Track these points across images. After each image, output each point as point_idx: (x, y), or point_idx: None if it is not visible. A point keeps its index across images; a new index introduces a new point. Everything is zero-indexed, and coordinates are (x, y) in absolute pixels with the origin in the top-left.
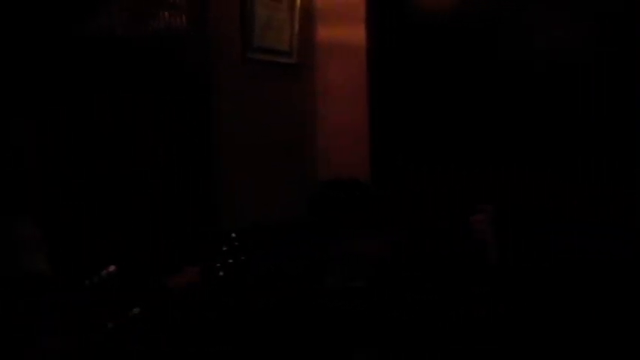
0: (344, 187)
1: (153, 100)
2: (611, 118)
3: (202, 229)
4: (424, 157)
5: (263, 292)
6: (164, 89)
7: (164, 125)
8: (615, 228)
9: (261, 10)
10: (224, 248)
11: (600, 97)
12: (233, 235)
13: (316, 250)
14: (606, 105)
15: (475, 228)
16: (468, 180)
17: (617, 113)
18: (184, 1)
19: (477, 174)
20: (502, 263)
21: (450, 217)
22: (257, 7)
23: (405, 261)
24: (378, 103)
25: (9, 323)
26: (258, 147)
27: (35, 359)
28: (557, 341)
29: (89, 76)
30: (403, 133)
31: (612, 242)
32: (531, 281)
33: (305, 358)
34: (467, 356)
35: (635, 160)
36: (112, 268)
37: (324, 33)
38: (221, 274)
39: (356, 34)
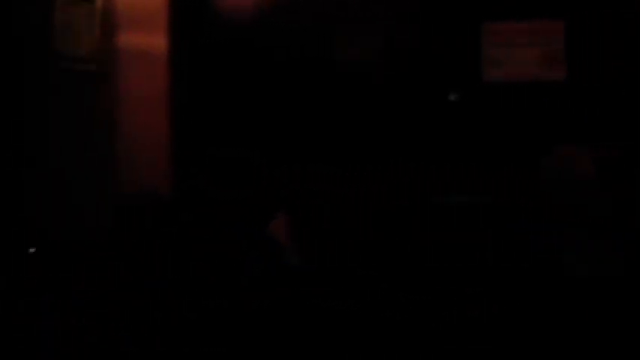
0: (146, 200)
1: None
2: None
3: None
4: (227, 163)
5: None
6: None
7: None
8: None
9: (60, 15)
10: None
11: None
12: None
13: None
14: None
15: (272, 233)
16: (270, 186)
17: None
18: None
19: (280, 179)
20: (303, 264)
21: (249, 224)
22: (56, 12)
23: None
24: (180, 112)
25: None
26: (60, 159)
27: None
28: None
29: None
30: (206, 142)
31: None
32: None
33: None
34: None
35: None
36: None
37: (126, 40)
38: None
39: (158, 41)
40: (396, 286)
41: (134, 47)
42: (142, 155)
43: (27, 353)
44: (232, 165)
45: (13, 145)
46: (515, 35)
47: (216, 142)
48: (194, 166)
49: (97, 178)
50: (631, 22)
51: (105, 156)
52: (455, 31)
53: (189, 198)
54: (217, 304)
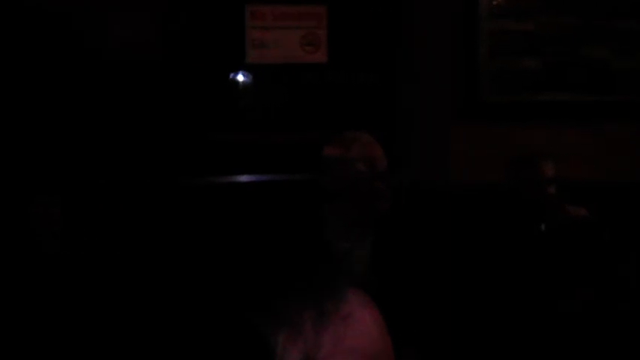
0: None
1: None
2: None
3: None
4: None
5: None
6: None
7: None
8: None
9: None
10: None
11: None
12: None
13: None
14: None
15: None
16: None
17: None
18: None
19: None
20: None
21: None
22: None
23: None
24: None
25: None
26: None
27: None
28: None
29: None
30: None
31: None
32: None
33: None
34: None
35: None
36: None
37: None
38: None
39: None
40: None
41: None
42: None
43: None
44: None
45: None
46: (279, 18)
47: None
48: None
49: None
50: (391, 10)
51: None
52: (219, 13)
53: None
54: None
